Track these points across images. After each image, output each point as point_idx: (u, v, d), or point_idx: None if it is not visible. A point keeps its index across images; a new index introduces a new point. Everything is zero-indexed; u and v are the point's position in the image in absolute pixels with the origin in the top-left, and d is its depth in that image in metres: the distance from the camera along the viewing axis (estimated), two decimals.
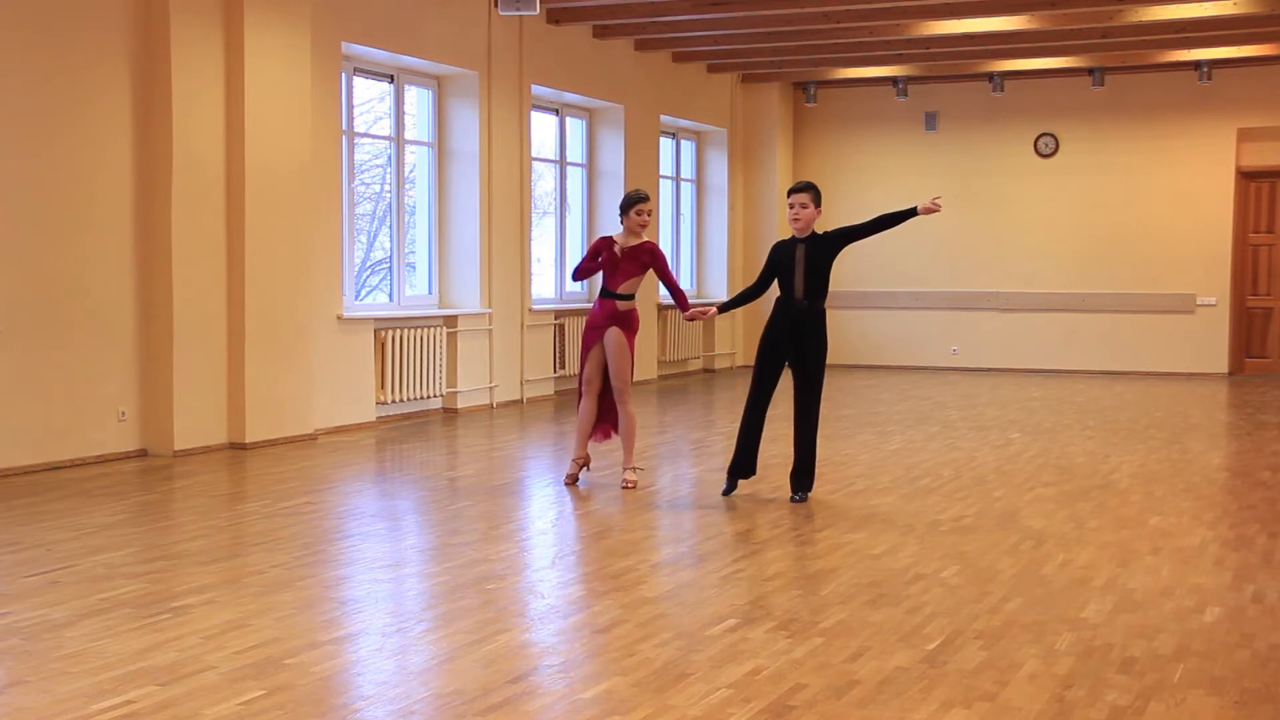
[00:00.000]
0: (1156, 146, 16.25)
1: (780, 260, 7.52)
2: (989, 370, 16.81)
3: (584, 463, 8.23)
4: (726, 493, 7.79)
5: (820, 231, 7.51)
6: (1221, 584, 5.72)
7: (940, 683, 4.33)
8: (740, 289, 17.30)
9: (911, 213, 7.50)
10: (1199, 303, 16.13)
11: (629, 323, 8.11)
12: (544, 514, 7.64)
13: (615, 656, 4.63)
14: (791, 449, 7.69)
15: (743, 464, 7.79)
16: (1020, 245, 16.87)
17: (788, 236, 7.62)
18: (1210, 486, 8.35)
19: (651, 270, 8.12)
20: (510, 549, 6.44)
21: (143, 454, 9.21)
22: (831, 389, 15.02)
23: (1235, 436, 10.86)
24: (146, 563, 5.97)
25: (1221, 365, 16.09)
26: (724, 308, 7.86)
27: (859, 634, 4.89)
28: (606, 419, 8.24)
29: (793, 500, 7.60)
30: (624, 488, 8.01)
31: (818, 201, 7.49)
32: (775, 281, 7.62)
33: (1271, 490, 8.16)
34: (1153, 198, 16.30)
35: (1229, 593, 5.57)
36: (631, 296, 8.09)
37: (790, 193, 7.56)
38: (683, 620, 5.13)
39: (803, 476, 7.66)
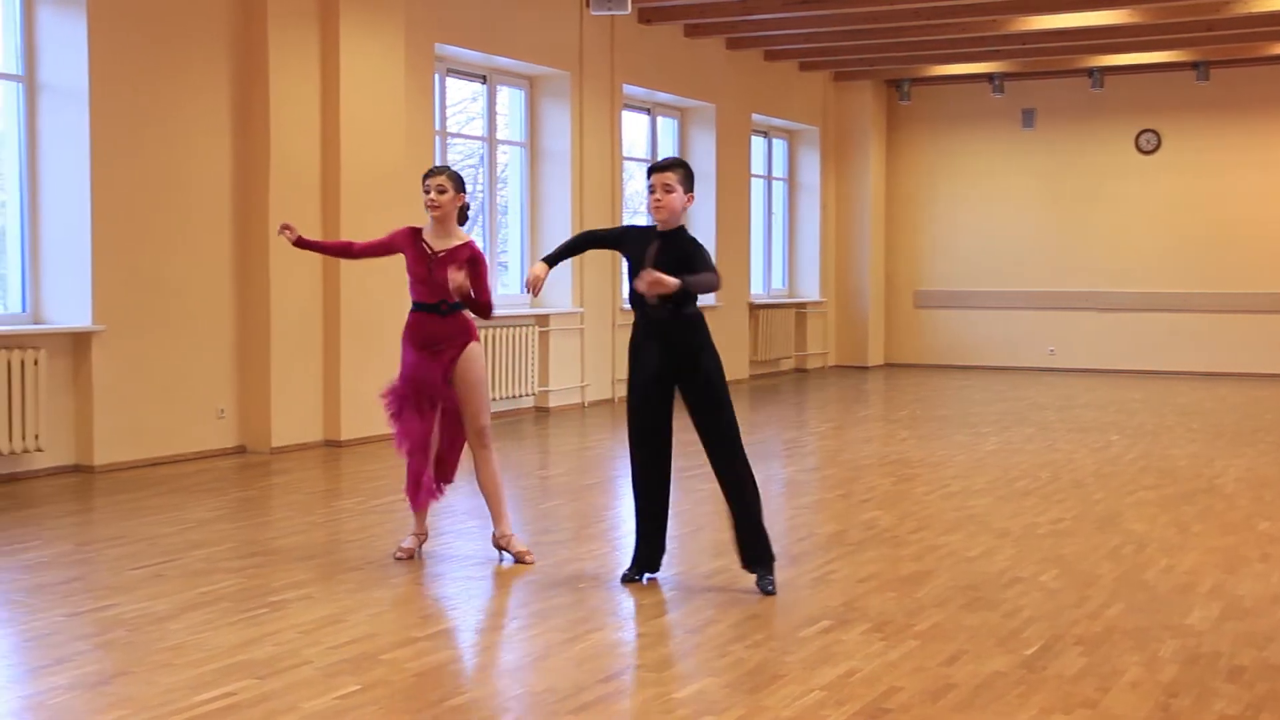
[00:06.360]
0: (1264, 143, 15.82)
1: (631, 249, 5.57)
2: (1086, 371, 16.49)
3: (424, 538, 6.22)
4: (626, 580, 5.66)
5: (689, 234, 5.61)
6: None
7: (1039, 688, 4.24)
8: (835, 287, 17.43)
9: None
10: None
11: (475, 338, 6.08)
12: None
13: (708, 657, 4.61)
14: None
15: (647, 551, 5.70)
16: (1120, 244, 16.53)
17: (648, 222, 5.69)
18: None
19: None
20: (602, 548, 6.44)
21: (241, 450, 9.37)
22: (925, 389, 14.95)
23: None
24: (245, 558, 6.07)
25: None
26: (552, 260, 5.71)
27: (955, 637, 4.81)
28: (439, 471, 6.17)
29: (763, 590, 5.46)
30: (522, 561, 6.00)
31: (689, 184, 5.52)
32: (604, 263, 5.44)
33: None
34: (1259, 195, 15.87)
35: None
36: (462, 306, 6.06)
37: (651, 171, 5.53)
38: (776, 621, 5.09)
39: (754, 548, 5.53)
